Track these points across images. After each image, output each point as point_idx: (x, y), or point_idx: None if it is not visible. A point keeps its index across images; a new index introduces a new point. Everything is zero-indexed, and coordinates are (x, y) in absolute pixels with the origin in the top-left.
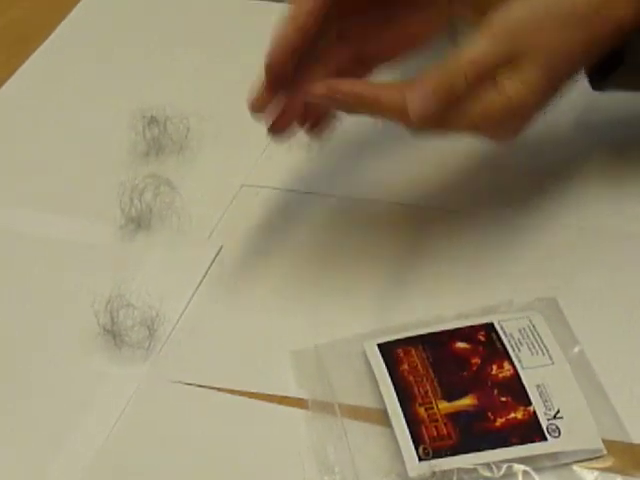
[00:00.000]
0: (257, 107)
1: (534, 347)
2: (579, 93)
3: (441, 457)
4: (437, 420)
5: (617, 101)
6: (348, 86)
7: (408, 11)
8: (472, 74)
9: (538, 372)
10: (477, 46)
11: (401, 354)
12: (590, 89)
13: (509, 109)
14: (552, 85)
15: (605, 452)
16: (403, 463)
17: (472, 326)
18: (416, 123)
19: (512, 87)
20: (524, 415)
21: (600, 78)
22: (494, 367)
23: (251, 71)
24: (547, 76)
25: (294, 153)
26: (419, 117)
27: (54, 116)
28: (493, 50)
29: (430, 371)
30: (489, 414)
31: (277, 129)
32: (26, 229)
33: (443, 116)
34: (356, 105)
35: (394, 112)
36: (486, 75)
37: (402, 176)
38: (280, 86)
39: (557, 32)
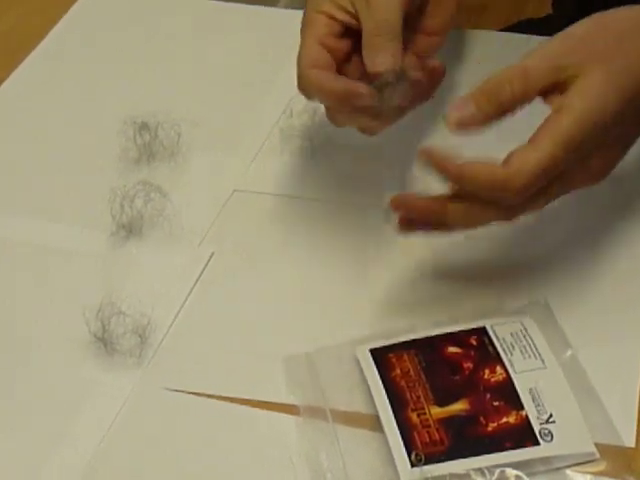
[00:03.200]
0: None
1: (526, 351)
2: None
3: (433, 463)
4: (429, 425)
5: None
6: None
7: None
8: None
9: (530, 376)
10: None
11: (393, 359)
12: None
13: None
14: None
15: (598, 456)
16: (395, 469)
17: (464, 330)
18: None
19: (597, 164)
20: (517, 419)
21: None
22: (486, 371)
23: (242, 77)
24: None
25: (286, 158)
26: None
27: (45, 123)
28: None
29: (422, 376)
30: (481, 419)
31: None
32: (16, 236)
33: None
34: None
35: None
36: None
37: (394, 181)
38: None
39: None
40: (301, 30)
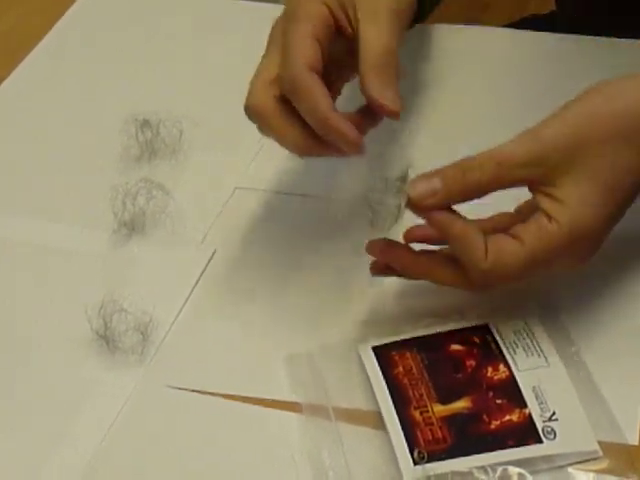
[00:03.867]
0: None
1: (529, 349)
2: None
3: (436, 460)
4: (432, 423)
5: None
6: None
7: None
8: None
9: (533, 374)
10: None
11: (396, 357)
12: None
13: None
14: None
15: (601, 454)
16: (398, 467)
17: (467, 328)
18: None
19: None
20: (519, 417)
21: None
22: (489, 369)
23: (243, 75)
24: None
25: (287, 155)
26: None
27: (46, 121)
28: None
29: (425, 374)
30: (484, 417)
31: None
32: (17, 236)
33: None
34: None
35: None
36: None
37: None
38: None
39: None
40: (292, 14)
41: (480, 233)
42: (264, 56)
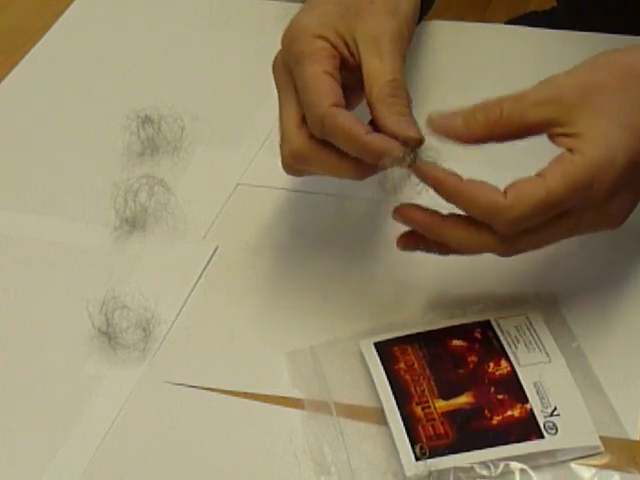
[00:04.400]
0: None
1: (531, 344)
2: None
3: (438, 456)
4: (434, 419)
5: None
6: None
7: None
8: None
9: (535, 369)
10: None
11: (397, 353)
12: None
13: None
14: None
15: (602, 449)
16: (400, 462)
17: (468, 324)
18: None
19: (613, 209)
20: (521, 413)
21: None
22: (491, 365)
23: (245, 70)
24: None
25: None
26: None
27: (47, 117)
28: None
29: (427, 369)
30: (486, 412)
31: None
32: (20, 232)
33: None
34: (452, 198)
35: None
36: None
37: (399, 174)
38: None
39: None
40: (296, 55)
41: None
42: (281, 103)
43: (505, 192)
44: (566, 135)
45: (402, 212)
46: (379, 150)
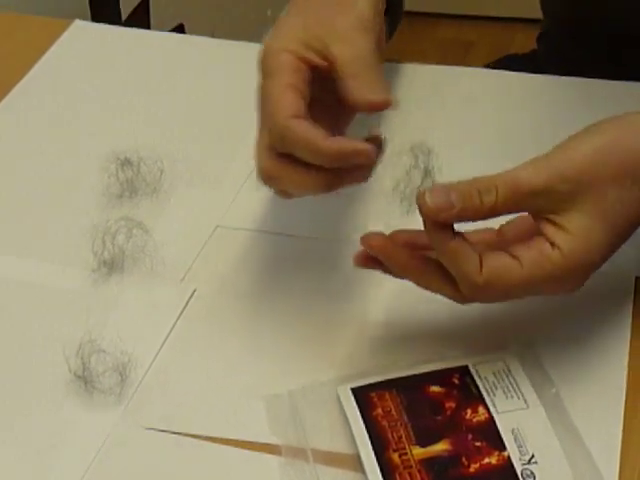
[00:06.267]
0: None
1: (509, 391)
2: None
3: None
4: (411, 466)
5: None
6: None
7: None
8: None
9: (513, 416)
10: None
11: (375, 398)
12: None
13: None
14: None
15: None
16: None
17: (446, 369)
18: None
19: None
20: (498, 460)
21: None
22: (468, 411)
23: (224, 112)
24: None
25: (269, 194)
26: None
27: (26, 158)
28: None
29: (404, 415)
30: (463, 459)
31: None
32: None
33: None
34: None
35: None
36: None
37: (384, 218)
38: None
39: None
40: (264, 69)
41: (473, 249)
42: (257, 125)
43: (481, 267)
44: (553, 223)
45: (372, 242)
46: (340, 152)
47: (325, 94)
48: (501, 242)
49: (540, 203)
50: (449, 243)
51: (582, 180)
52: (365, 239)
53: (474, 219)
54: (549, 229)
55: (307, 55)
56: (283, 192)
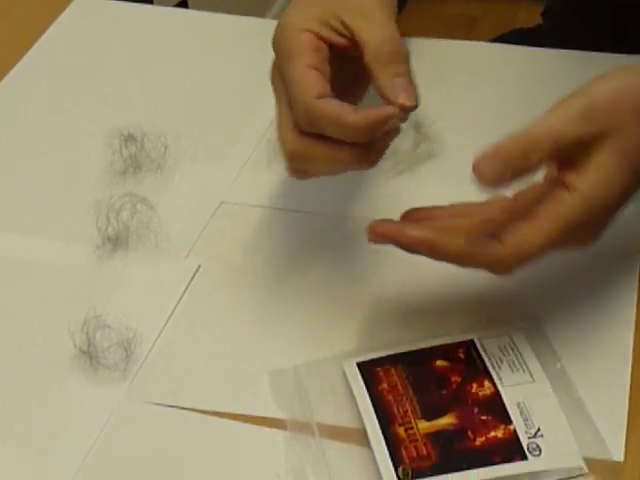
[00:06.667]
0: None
1: (515, 365)
2: None
3: (421, 478)
4: (417, 440)
5: None
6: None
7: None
8: None
9: (518, 390)
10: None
11: (380, 373)
12: None
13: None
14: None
15: (586, 470)
16: None
17: (452, 344)
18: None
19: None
20: (504, 434)
21: None
22: (474, 385)
23: (229, 87)
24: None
25: (273, 170)
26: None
27: (30, 135)
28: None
29: (410, 390)
30: (469, 433)
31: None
32: (1, 251)
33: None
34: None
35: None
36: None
37: (385, 192)
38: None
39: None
40: (282, 54)
41: (483, 239)
42: (277, 109)
43: (502, 240)
44: (574, 169)
45: (374, 229)
46: (373, 122)
47: (340, 70)
48: (520, 207)
49: (575, 150)
50: (461, 251)
51: (608, 120)
52: (372, 228)
53: (522, 177)
54: (569, 176)
55: (327, 34)
56: (303, 172)
